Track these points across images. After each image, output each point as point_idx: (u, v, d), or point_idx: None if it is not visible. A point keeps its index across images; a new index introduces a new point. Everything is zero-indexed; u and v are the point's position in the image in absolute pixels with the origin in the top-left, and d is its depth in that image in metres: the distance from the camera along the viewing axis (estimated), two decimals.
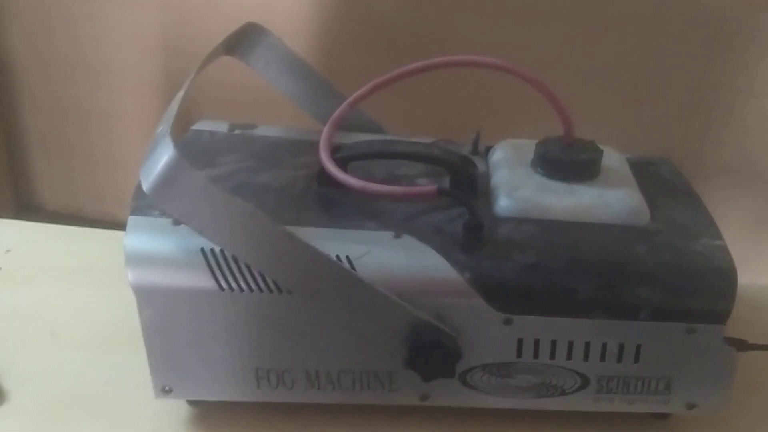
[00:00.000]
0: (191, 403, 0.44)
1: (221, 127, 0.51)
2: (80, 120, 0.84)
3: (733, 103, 0.64)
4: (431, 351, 0.38)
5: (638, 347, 0.40)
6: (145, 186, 0.36)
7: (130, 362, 0.41)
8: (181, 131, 0.52)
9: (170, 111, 0.39)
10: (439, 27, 0.66)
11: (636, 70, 0.64)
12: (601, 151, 0.44)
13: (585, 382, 0.41)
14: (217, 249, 0.38)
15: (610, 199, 0.42)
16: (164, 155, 0.36)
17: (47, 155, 0.87)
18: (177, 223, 0.39)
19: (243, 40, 0.51)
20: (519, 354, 0.40)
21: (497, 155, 0.47)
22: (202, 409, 0.45)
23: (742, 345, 0.39)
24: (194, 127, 0.51)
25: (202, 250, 0.38)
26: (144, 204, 0.40)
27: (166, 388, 0.41)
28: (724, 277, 0.39)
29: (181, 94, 0.41)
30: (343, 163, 0.43)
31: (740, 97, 0.63)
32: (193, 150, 0.48)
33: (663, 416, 0.44)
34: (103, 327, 0.50)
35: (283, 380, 0.41)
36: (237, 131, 0.51)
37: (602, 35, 0.63)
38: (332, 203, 0.43)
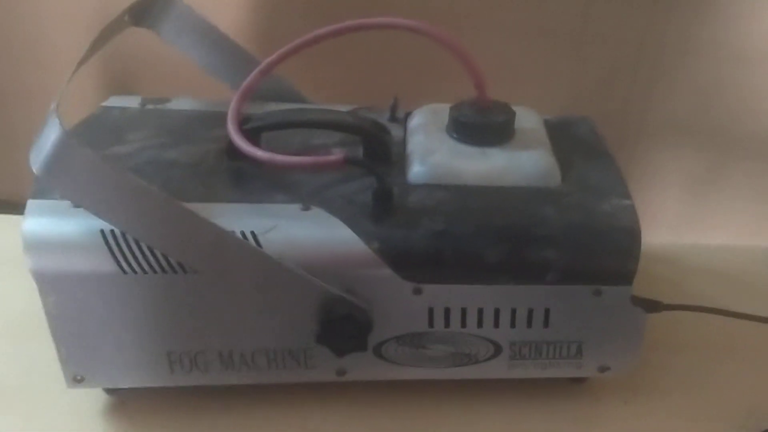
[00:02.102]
0: (108, 390, 0.43)
1: (133, 102, 0.49)
2: (21, 102, 0.81)
3: (674, 61, 0.63)
4: (342, 325, 0.38)
5: (547, 312, 0.39)
6: (35, 168, 0.34)
7: (49, 351, 0.40)
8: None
9: (62, 87, 0.38)
10: None
11: (578, 30, 0.63)
12: (514, 113, 0.42)
13: (498, 350, 0.40)
14: (117, 231, 0.37)
15: (521, 162, 0.41)
16: (51, 134, 0.34)
17: None
18: (77, 205, 0.37)
19: (150, 10, 0.49)
20: (431, 324, 0.39)
21: (415, 121, 0.45)
22: (120, 397, 0.43)
23: (654, 306, 0.39)
24: (104, 104, 0.49)
25: (102, 232, 0.37)
26: (44, 187, 0.38)
27: (78, 377, 0.40)
28: (628, 238, 0.38)
29: (74, 68, 0.39)
30: (253, 135, 0.41)
31: (679, 55, 0.63)
32: (100, 128, 0.46)
33: (579, 380, 0.44)
34: (21, 316, 0.49)
35: (197, 363, 0.40)
36: (149, 106, 0.49)
37: None
38: (243, 177, 0.41)
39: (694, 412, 0.44)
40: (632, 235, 0.38)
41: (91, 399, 0.43)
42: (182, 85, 0.60)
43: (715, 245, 0.63)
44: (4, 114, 0.81)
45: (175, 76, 0.65)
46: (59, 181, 0.35)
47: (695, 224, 0.70)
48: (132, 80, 0.68)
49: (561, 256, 0.38)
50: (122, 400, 0.43)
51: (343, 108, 0.47)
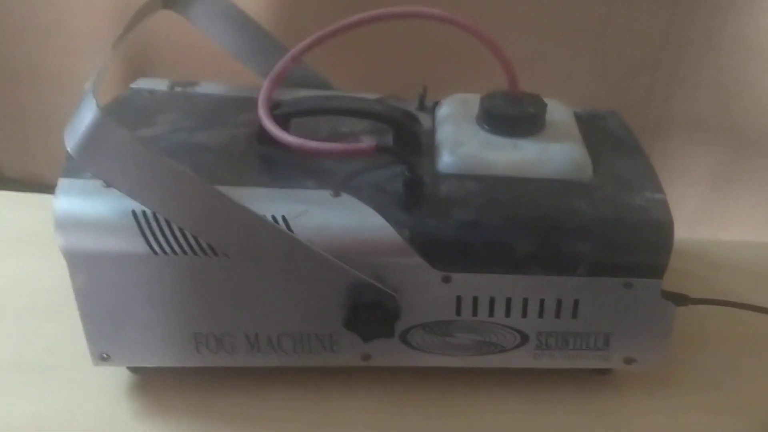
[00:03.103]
0: (132, 369, 0.44)
1: (161, 85, 0.49)
2: (35, 83, 0.81)
3: (696, 57, 0.63)
4: (370, 311, 0.38)
5: (576, 303, 0.39)
6: (69, 147, 0.35)
7: (73, 330, 0.40)
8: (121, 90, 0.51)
9: (98, 67, 0.38)
10: None
11: (600, 26, 0.63)
12: (545, 105, 0.42)
13: (524, 339, 0.41)
14: (149, 211, 0.37)
15: (552, 154, 0.41)
16: (88, 114, 0.34)
17: (2, 119, 0.85)
18: (109, 185, 0.38)
19: None
20: (458, 312, 0.39)
21: (444, 111, 0.45)
22: (144, 376, 0.44)
23: (682, 299, 0.39)
24: (133, 86, 0.49)
25: (134, 212, 0.37)
26: (76, 166, 0.38)
27: (104, 355, 0.41)
28: (660, 231, 0.38)
29: (110, 49, 0.39)
30: (283, 120, 0.42)
31: (702, 51, 0.63)
32: (130, 109, 0.46)
33: (604, 372, 0.44)
34: (46, 295, 0.49)
35: (223, 344, 0.40)
36: (177, 89, 0.49)
37: None
38: (272, 162, 0.41)
39: (718, 406, 0.44)
40: (665, 229, 0.38)
41: (116, 377, 0.43)
42: (197, 70, 0.60)
43: (737, 241, 0.62)
44: (19, 96, 0.82)
45: (189, 61, 0.65)
46: (93, 161, 0.35)
47: (714, 220, 0.70)
48: (148, 64, 0.68)
49: (593, 249, 0.38)
50: (146, 379, 0.44)
51: (370, 96, 0.47)
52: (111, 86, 0.51)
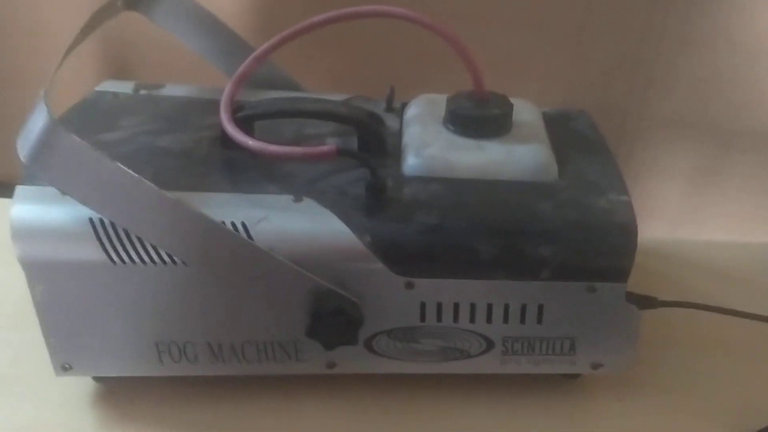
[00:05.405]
0: (97, 379, 0.43)
1: (126, 87, 0.48)
2: (17, 87, 0.80)
3: (674, 54, 0.63)
4: (332, 318, 0.37)
5: (540, 308, 0.39)
6: (22, 154, 0.34)
7: (38, 339, 0.39)
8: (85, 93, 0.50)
9: (51, 73, 0.37)
10: None
11: (579, 23, 0.62)
12: (512, 106, 0.42)
13: (490, 345, 0.40)
14: (106, 220, 0.36)
15: (518, 156, 0.40)
16: (39, 121, 0.34)
17: None
18: (63, 193, 0.37)
19: None
20: (422, 318, 0.39)
21: (411, 112, 0.45)
22: (109, 385, 0.43)
23: (648, 302, 0.39)
24: (98, 88, 0.48)
25: (91, 220, 0.36)
26: (34, 173, 0.38)
27: (66, 366, 0.40)
28: (623, 234, 0.37)
29: (64, 54, 0.39)
30: (245, 123, 0.41)
31: (681, 47, 0.62)
32: (93, 113, 0.45)
33: (573, 376, 0.44)
34: (11, 304, 0.48)
35: (186, 354, 0.40)
36: (143, 92, 0.48)
37: None
38: (235, 167, 0.41)
39: (688, 410, 0.43)
40: (628, 232, 0.37)
41: (81, 387, 0.43)
42: (184, 71, 0.59)
43: (711, 241, 0.62)
44: (1, 98, 0.81)
45: (177, 61, 0.64)
46: (46, 169, 0.35)
47: (694, 218, 0.69)
48: (133, 66, 0.67)
49: (556, 252, 0.37)
50: (111, 389, 0.43)
51: (339, 97, 0.46)
52: (87, 88, 0.51)
